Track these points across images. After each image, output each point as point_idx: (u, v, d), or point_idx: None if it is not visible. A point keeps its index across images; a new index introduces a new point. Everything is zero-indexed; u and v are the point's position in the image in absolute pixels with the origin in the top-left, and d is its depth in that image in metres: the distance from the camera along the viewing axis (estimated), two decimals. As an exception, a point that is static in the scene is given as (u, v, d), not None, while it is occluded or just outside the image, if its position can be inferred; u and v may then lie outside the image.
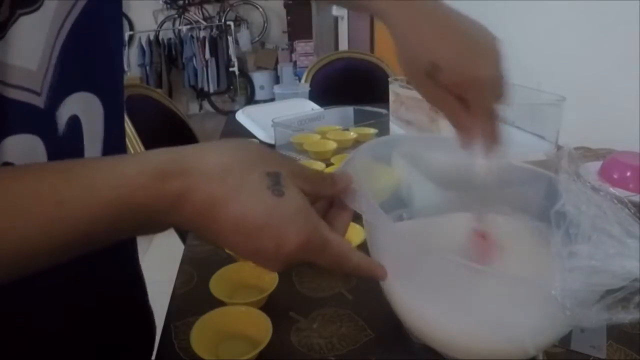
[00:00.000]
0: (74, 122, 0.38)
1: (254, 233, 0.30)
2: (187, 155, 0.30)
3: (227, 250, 0.60)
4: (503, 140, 0.44)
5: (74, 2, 0.36)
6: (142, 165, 0.29)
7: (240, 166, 0.31)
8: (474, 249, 0.44)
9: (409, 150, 0.52)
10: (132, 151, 1.12)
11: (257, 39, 4.93)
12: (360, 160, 0.44)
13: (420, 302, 0.40)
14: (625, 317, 0.30)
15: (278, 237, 0.30)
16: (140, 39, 4.79)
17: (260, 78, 4.88)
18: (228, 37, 4.74)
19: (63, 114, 0.37)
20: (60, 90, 0.36)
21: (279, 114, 1.14)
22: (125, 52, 4.79)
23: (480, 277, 0.36)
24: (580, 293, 0.31)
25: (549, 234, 0.39)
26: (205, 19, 4.83)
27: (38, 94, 0.35)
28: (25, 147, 0.35)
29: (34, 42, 0.34)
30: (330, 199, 0.38)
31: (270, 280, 0.53)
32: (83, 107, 0.39)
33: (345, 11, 3.81)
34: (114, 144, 0.45)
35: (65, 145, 0.38)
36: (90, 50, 0.40)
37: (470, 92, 0.41)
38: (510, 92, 0.42)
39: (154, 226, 0.31)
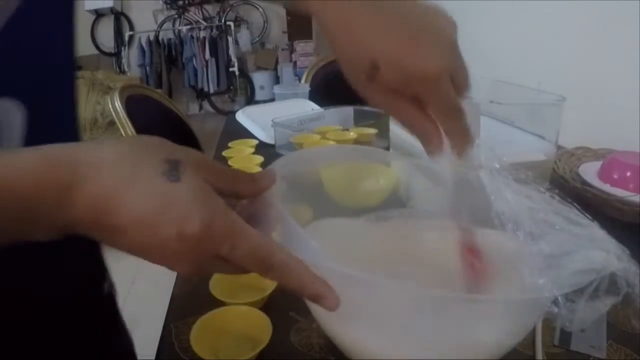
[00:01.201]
0: None
1: (151, 223, 0.27)
2: (79, 148, 0.29)
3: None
4: (472, 140, 0.38)
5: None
6: (30, 153, 0.27)
7: (135, 155, 0.29)
8: (467, 272, 0.40)
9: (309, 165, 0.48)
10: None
11: (257, 39, 4.93)
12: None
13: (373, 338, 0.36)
14: (605, 305, 0.30)
15: (178, 222, 0.27)
16: (140, 39, 4.79)
17: (260, 78, 4.88)
18: (228, 37, 4.74)
19: None
20: None
21: (279, 114, 1.14)
22: (125, 52, 4.80)
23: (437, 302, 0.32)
24: (569, 296, 0.30)
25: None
26: (205, 19, 4.83)
27: None
28: None
29: None
30: (249, 198, 0.34)
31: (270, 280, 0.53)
32: (2, 112, 0.38)
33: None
34: None
35: None
36: (20, 58, 0.39)
37: (421, 89, 0.34)
38: (471, 81, 0.36)
39: (40, 222, 0.27)
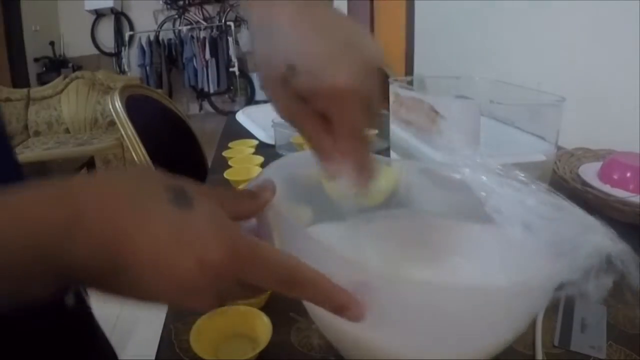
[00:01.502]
0: None
1: (168, 255, 0.25)
2: (74, 181, 0.26)
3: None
4: (373, 171, 0.37)
5: None
6: (22, 193, 0.25)
7: (136, 184, 0.27)
8: None
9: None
10: (132, 152, 1.12)
11: (257, 39, 4.94)
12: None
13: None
14: (608, 282, 0.32)
15: (198, 252, 0.25)
16: (140, 39, 4.80)
17: (260, 78, 4.88)
18: (228, 37, 4.74)
19: None
20: None
21: (279, 114, 1.14)
22: (126, 52, 4.80)
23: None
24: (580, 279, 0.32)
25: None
26: (205, 19, 4.83)
27: None
28: None
29: None
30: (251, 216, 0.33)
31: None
32: None
33: (345, 11, 3.81)
34: None
35: None
36: None
37: (332, 104, 0.33)
38: (381, 118, 0.35)
39: (41, 266, 0.24)
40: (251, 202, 0.32)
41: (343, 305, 0.29)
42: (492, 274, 0.42)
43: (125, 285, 0.25)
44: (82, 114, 3.54)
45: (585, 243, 0.34)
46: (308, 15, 0.33)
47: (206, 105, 5.06)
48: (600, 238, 0.34)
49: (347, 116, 0.33)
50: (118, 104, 1.15)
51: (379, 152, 0.64)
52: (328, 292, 0.29)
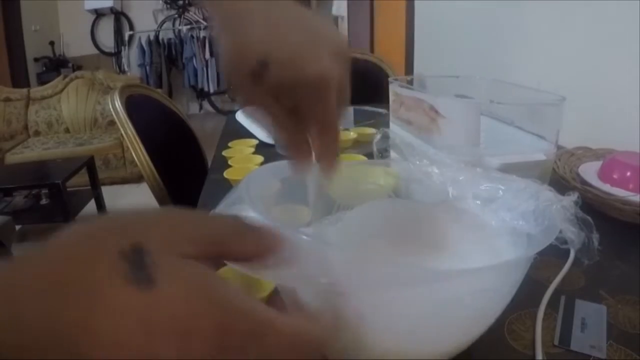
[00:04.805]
0: None
1: (139, 355, 0.19)
2: (12, 276, 0.20)
3: None
4: (338, 159, 0.37)
5: None
6: None
7: (84, 260, 0.20)
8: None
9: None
10: (132, 151, 1.12)
11: (257, 39, 4.94)
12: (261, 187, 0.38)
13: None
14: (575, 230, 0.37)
15: (177, 340, 0.19)
16: (140, 39, 4.80)
17: (260, 78, 4.88)
18: (228, 37, 4.74)
19: None
20: None
21: (279, 113, 1.14)
22: (125, 52, 4.80)
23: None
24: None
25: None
26: (205, 18, 4.83)
27: None
28: None
29: None
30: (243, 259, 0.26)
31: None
32: None
33: (345, 11, 3.81)
34: None
35: None
36: None
37: (305, 94, 0.33)
38: (347, 106, 0.36)
39: None
40: (251, 242, 0.25)
41: None
42: (474, 253, 0.44)
43: None
44: (82, 114, 3.54)
45: (543, 203, 0.39)
46: (277, 8, 0.34)
47: (206, 105, 5.06)
48: (549, 194, 0.39)
49: (326, 106, 0.34)
50: (118, 104, 1.15)
51: (378, 151, 0.64)
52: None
